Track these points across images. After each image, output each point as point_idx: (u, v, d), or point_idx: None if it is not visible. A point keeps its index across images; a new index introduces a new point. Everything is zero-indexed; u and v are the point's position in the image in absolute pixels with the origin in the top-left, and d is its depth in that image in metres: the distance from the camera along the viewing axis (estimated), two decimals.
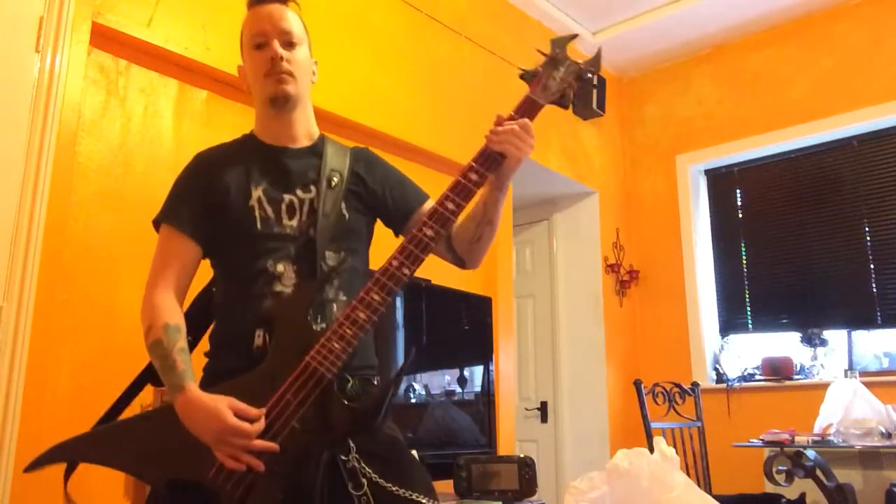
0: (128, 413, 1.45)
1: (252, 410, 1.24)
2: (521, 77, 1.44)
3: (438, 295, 3.04)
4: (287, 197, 1.42)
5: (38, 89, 2.14)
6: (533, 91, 1.41)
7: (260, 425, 1.23)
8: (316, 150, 1.50)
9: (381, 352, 1.39)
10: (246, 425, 1.22)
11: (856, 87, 4.03)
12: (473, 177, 1.35)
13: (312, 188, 1.44)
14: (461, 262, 1.52)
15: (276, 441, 1.24)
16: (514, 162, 1.37)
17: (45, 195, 2.11)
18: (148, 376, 1.47)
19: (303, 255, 1.39)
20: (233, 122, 2.69)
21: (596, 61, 1.44)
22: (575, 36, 1.46)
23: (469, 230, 1.44)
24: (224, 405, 1.23)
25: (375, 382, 1.44)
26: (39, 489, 1.95)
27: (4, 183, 2.05)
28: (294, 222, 1.41)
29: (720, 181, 4.64)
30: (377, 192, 1.52)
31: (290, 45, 1.45)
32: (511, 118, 1.39)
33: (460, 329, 3.27)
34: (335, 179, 1.46)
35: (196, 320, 1.46)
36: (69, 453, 1.33)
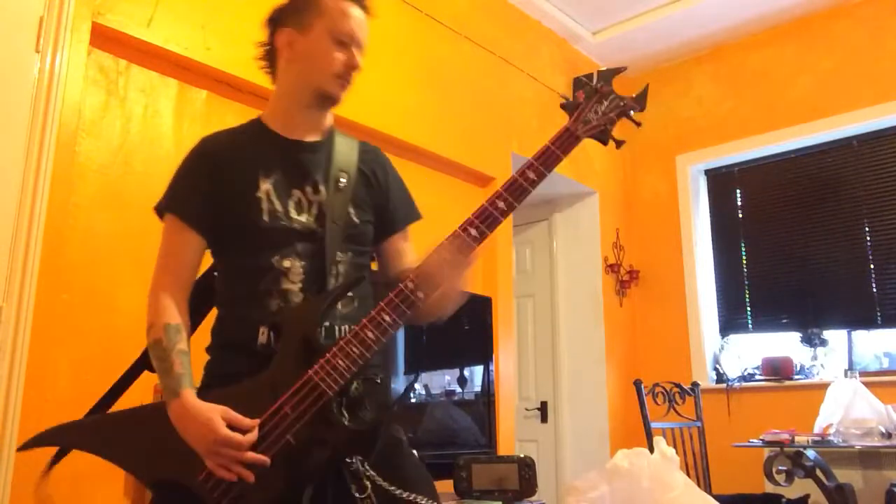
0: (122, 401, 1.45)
1: (245, 421, 1.22)
2: (562, 107, 1.38)
3: None
4: (296, 193, 1.40)
5: (38, 89, 2.14)
6: (572, 123, 1.35)
7: (252, 437, 1.21)
8: (326, 145, 1.48)
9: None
10: (238, 436, 1.20)
11: (856, 87, 4.03)
12: (501, 205, 1.30)
13: (322, 189, 1.41)
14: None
15: (269, 454, 1.22)
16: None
17: (45, 195, 2.10)
18: (143, 365, 1.46)
19: (310, 253, 1.37)
20: (233, 122, 2.65)
21: (642, 99, 1.37)
22: (623, 69, 1.40)
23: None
24: (217, 415, 1.21)
25: (379, 381, 1.42)
26: None
27: (4, 183, 2.05)
28: (303, 218, 1.38)
29: (720, 181, 4.64)
30: (380, 202, 1.50)
31: (360, 51, 1.47)
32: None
33: (460, 329, 3.26)
34: (343, 180, 1.43)
35: (197, 303, 1.44)
36: (65, 438, 1.34)
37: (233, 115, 2.69)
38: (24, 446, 1.32)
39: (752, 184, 4.51)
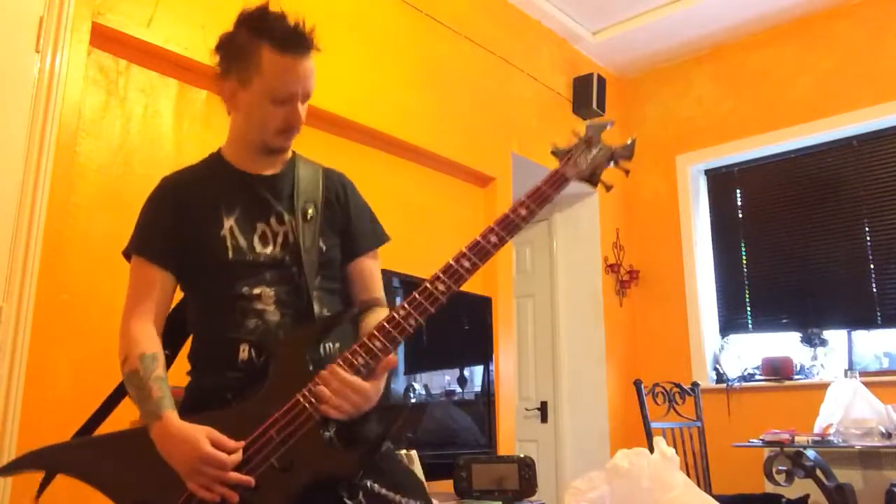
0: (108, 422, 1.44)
1: (229, 442, 1.22)
2: (553, 153, 1.45)
3: None
4: (260, 227, 1.40)
5: (38, 89, 2.14)
6: (563, 167, 1.42)
7: (237, 457, 1.21)
8: (288, 175, 1.47)
9: None
10: (222, 455, 1.20)
11: (856, 87, 4.03)
12: (494, 239, 1.32)
13: (286, 218, 1.41)
14: None
15: (253, 476, 1.21)
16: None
17: (45, 195, 2.11)
18: (122, 394, 1.45)
19: (278, 279, 1.37)
20: None
21: (630, 150, 1.44)
22: (610, 124, 1.48)
23: None
24: (202, 434, 1.21)
25: None
26: None
27: (4, 183, 2.05)
28: (268, 250, 1.39)
29: (720, 181, 4.64)
30: (344, 226, 1.50)
31: (305, 100, 1.41)
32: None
33: (460, 329, 3.26)
34: (310, 212, 1.43)
35: (172, 333, 1.44)
36: (46, 463, 1.32)
37: None
38: (3, 471, 1.30)
39: (752, 184, 4.51)
